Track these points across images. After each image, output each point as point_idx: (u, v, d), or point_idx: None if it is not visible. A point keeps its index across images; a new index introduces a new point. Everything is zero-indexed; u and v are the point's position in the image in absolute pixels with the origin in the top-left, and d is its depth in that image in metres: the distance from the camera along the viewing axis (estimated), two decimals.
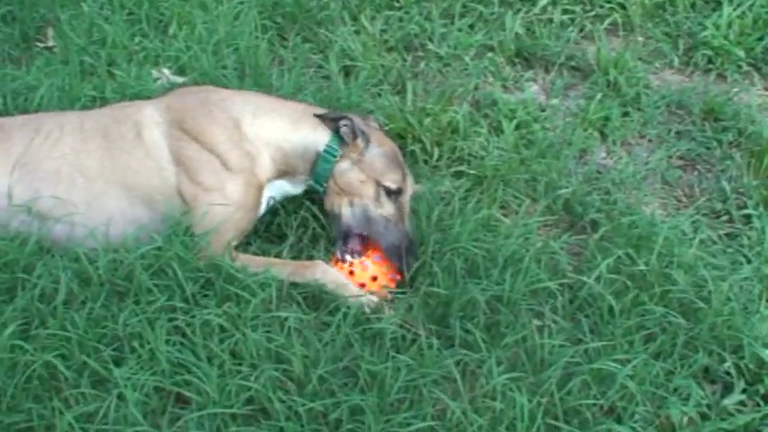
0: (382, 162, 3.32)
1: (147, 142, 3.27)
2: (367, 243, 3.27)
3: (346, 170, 3.31)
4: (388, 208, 3.27)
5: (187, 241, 3.11)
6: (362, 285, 3.17)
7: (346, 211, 3.28)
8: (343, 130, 3.31)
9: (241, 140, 3.26)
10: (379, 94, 4.18)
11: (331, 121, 3.34)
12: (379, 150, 3.33)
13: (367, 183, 3.28)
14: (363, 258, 3.22)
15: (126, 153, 3.26)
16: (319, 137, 3.34)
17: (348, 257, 3.22)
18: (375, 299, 3.10)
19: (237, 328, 2.89)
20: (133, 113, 3.34)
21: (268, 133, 3.30)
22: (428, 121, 3.92)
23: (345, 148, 3.32)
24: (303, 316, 3.00)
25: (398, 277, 3.22)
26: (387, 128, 3.87)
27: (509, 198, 3.67)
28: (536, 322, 3.06)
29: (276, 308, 2.99)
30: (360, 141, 3.31)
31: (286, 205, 3.44)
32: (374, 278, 3.20)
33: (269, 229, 3.43)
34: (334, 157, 3.31)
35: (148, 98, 3.67)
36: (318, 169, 3.32)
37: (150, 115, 3.32)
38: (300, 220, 3.40)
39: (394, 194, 3.28)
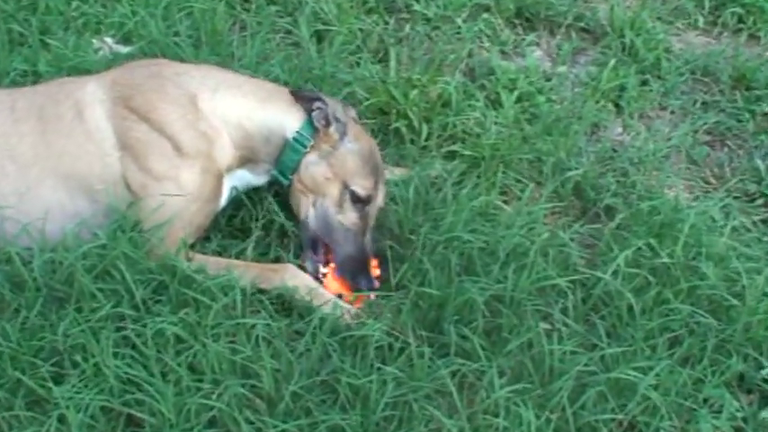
0: (355, 161, 3.28)
1: (88, 123, 3.24)
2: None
3: (312, 163, 3.28)
4: (350, 216, 3.26)
5: (135, 238, 3.10)
6: (340, 295, 3.17)
7: (310, 215, 3.28)
8: (316, 113, 3.28)
9: (197, 120, 3.24)
10: (358, 63, 4.17)
11: (306, 102, 3.32)
12: (354, 146, 3.30)
13: (333, 182, 3.26)
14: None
15: (64, 137, 3.23)
16: (290, 121, 3.31)
17: (321, 269, 3.22)
18: (353, 308, 3.11)
19: (196, 339, 2.88)
20: (73, 91, 3.32)
21: (228, 109, 3.28)
22: (415, 94, 3.91)
23: (317, 139, 3.29)
24: (273, 323, 2.99)
25: (378, 277, 3.24)
26: (367, 102, 3.87)
27: (510, 182, 3.68)
28: (543, 326, 3.07)
29: (241, 314, 2.98)
30: (333, 131, 3.29)
31: (252, 195, 3.43)
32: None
33: (231, 223, 3.42)
34: (305, 147, 3.28)
35: (90, 72, 3.64)
36: (285, 159, 3.30)
37: (92, 92, 3.29)
38: (267, 210, 3.38)
39: (360, 202, 3.26)
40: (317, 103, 3.28)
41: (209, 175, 3.24)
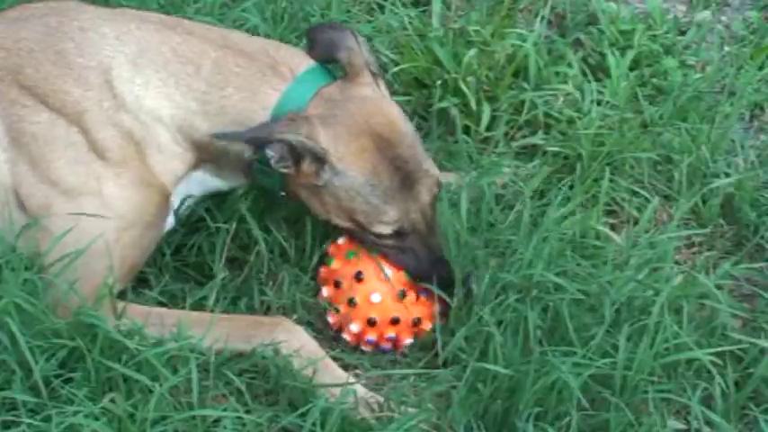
0: (352, 200, 3.24)
1: None
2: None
3: (303, 188, 3.29)
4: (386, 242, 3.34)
5: (35, 282, 3.12)
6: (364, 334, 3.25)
7: None
8: (270, 155, 3.19)
9: (116, 110, 3.27)
10: (381, 7, 4.19)
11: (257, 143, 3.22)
12: (343, 180, 3.22)
13: (342, 219, 3.31)
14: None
15: None
16: (264, 100, 3.26)
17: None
18: (379, 397, 3.13)
19: None
20: None
21: (160, 108, 3.28)
22: (471, 56, 3.94)
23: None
24: (248, 417, 3.00)
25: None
26: (396, 69, 3.89)
27: (621, 195, 3.71)
28: (675, 424, 3.10)
29: (198, 402, 3.00)
30: (306, 167, 3.21)
31: (212, 208, 3.45)
32: (394, 321, 3.25)
33: (180, 253, 3.46)
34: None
35: None
36: (260, 177, 3.32)
37: None
38: (237, 235, 3.42)
39: (392, 237, 3.29)
40: (271, 148, 3.18)
41: (147, 188, 3.28)
